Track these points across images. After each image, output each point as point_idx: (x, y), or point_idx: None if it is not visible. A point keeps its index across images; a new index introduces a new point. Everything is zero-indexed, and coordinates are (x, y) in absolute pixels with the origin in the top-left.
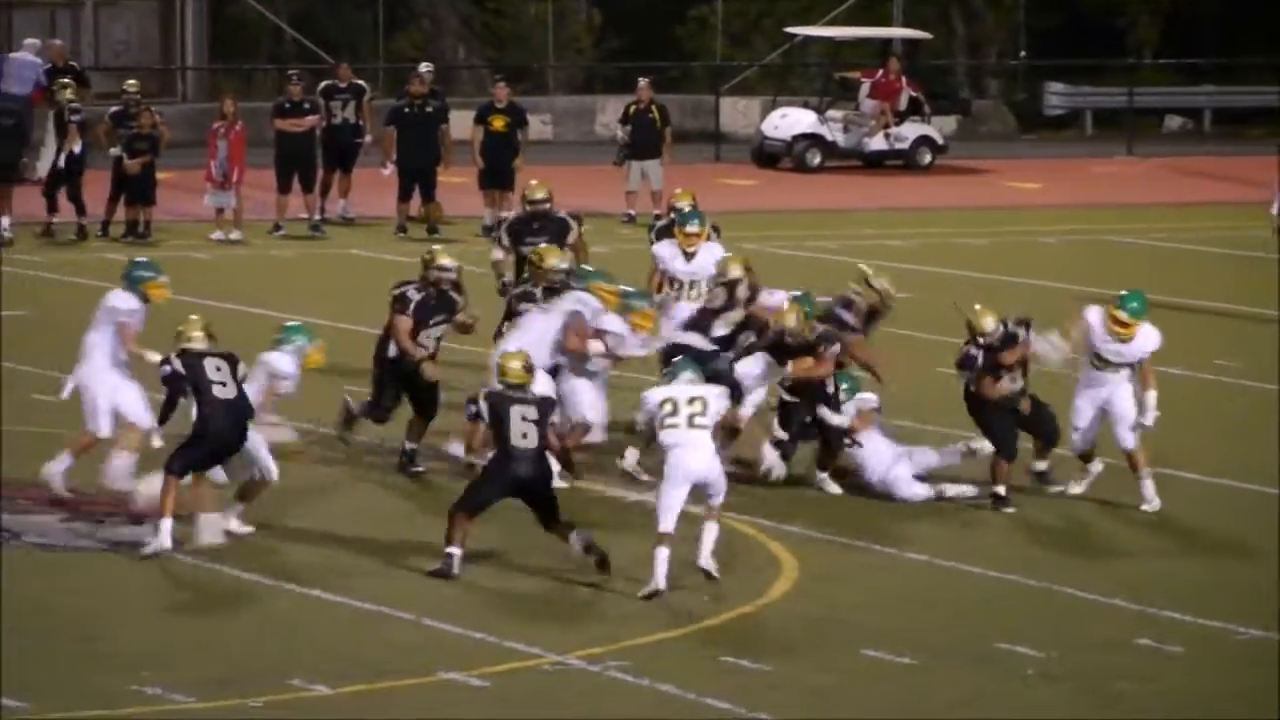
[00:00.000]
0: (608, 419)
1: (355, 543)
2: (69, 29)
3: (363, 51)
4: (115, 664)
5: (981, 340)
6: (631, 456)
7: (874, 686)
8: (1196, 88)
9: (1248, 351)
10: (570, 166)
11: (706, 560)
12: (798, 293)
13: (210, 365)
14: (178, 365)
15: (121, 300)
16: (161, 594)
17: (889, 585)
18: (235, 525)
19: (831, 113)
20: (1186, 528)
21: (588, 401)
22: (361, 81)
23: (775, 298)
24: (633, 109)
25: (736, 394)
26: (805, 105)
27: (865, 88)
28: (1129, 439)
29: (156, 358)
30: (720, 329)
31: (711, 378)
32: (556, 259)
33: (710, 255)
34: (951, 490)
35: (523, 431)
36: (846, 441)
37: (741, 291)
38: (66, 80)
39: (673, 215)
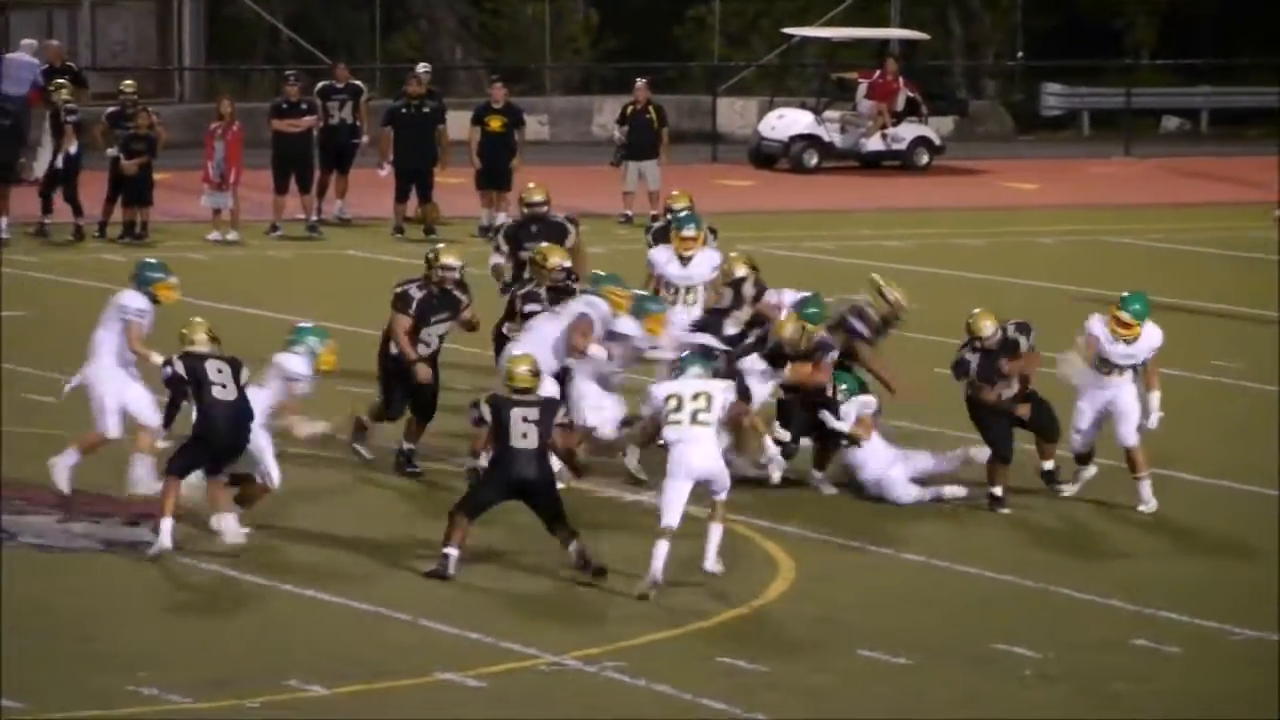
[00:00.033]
0: (624, 412)
1: (352, 543)
2: (66, 29)
3: (360, 52)
4: (112, 664)
5: (978, 344)
6: (632, 457)
7: (871, 687)
8: (1194, 88)
9: (1247, 352)
10: (567, 167)
11: (713, 564)
12: (807, 294)
13: (211, 367)
14: (179, 367)
15: (132, 300)
16: (159, 594)
17: (886, 585)
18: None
19: (829, 113)
20: (1184, 528)
21: (591, 405)
22: (359, 82)
23: (785, 298)
24: (630, 109)
25: (745, 392)
26: (802, 106)
27: (862, 88)
28: (1131, 436)
29: (159, 359)
30: (730, 328)
31: (721, 375)
32: (559, 258)
33: (706, 261)
34: (947, 492)
35: (523, 432)
36: (844, 441)
37: (748, 289)
38: (63, 81)
39: (669, 217)
